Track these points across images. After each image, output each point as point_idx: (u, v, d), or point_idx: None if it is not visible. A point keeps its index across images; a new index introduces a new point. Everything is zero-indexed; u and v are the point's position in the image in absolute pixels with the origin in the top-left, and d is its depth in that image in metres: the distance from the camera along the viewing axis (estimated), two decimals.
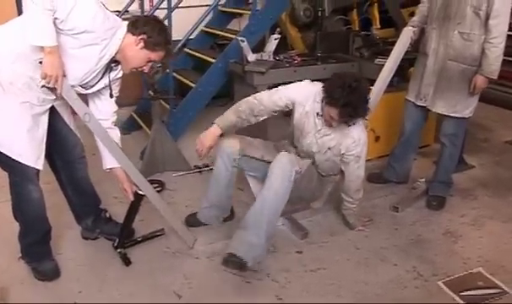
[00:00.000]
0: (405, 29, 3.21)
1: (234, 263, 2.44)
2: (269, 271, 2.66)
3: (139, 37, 2.34)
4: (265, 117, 2.86)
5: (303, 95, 2.78)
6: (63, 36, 2.16)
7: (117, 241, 2.75)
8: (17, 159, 2.29)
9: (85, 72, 2.32)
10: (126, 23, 2.37)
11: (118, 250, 2.73)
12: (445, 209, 3.29)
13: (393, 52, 3.20)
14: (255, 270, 2.57)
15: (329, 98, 2.58)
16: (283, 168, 2.56)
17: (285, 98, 2.80)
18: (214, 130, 2.80)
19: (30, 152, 2.31)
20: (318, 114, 2.74)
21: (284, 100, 2.81)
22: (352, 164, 2.76)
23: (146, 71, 2.50)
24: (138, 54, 2.37)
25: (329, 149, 2.77)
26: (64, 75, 2.22)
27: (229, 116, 2.83)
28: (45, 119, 2.38)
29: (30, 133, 2.29)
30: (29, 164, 2.31)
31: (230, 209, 3.09)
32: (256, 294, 2.50)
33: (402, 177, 3.58)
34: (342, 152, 2.74)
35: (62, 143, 2.61)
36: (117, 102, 2.63)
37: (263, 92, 2.89)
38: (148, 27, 2.34)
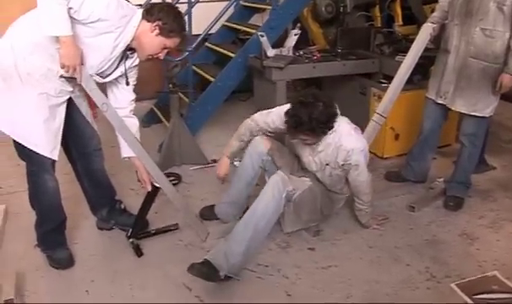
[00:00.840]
0: (425, 25, 3.14)
1: (199, 270, 2.41)
2: (280, 266, 2.66)
3: (154, 24, 2.35)
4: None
5: None
6: (78, 25, 2.19)
7: (131, 231, 2.79)
8: (33, 148, 2.34)
9: (101, 60, 2.35)
10: (141, 10, 2.39)
11: (131, 240, 2.77)
12: (463, 210, 3.23)
13: (411, 49, 3.14)
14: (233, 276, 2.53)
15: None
16: (274, 186, 2.60)
17: (277, 120, 2.82)
18: (223, 160, 3.03)
19: (46, 142, 2.36)
20: None
21: (276, 123, 2.83)
22: (352, 172, 2.76)
23: (162, 58, 2.51)
24: (153, 41, 2.39)
25: (327, 164, 2.77)
26: (82, 64, 2.26)
27: (232, 143, 3.02)
28: (62, 110, 2.42)
29: (46, 124, 2.34)
30: (44, 154, 2.36)
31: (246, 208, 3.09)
32: (266, 289, 2.50)
33: (420, 176, 3.52)
34: (341, 163, 2.73)
35: (78, 135, 2.65)
36: (135, 91, 2.66)
37: (259, 113, 2.96)
38: (163, 13, 2.36)
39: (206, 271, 2.41)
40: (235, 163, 3.67)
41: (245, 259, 2.55)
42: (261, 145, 2.90)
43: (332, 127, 2.65)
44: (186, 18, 4.01)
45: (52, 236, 2.62)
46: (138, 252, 2.73)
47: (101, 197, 2.90)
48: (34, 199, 2.56)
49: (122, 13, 2.27)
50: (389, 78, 3.44)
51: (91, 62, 2.32)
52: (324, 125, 2.60)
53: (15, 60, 2.24)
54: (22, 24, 2.30)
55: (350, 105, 3.90)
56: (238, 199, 2.99)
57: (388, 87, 3.29)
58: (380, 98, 3.66)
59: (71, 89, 2.41)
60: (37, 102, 2.30)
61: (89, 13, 2.16)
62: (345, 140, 2.69)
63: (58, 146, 2.43)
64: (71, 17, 2.13)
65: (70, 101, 2.48)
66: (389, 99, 3.16)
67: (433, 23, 3.14)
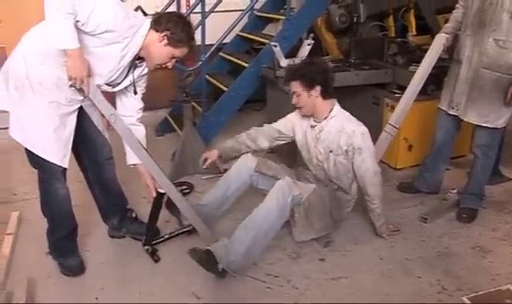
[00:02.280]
0: (438, 35, 3.12)
1: (199, 256, 2.51)
2: (290, 277, 2.65)
3: (163, 34, 2.38)
4: (266, 145, 3.08)
5: (298, 117, 2.98)
6: (85, 36, 2.22)
7: (144, 239, 2.81)
8: (43, 156, 2.38)
9: (109, 69, 2.37)
10: (149, 20, 2.41)
11: (146, 247, 2.79)
12: (476, 222, 3.18)
13: (424, 60, 3.12)
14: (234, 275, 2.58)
15: None
16: (279, 190, 2.64)
17: (284, 121, 3.05)
18: (213, 150, 3.07)
19: (56, 150, 2.39)
20: (311, 126, 2.91)
21: (283, 124, 3.04)
22: (356, 157, 2.80)
23: (170, 67, 2.54)
24: (161, 50, 2.41)
25: (330, 151, 2.84)
26: (90, 75, 2.29)
27: (228, 141, 3.13)
28: (73, 119, 2.45)
29: (57, 133, 2.37)
30: (54, 162, 2.40)
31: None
32: (275, 299, 2.49)
33: (433, 188, 3.49)
34: (345, 149, 2.79)
35: (89, 144, 2.69)
36: (143, 99, 2.69)
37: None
38: (171, 23, 2.38)
39: (206, 259, 2.49)
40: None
41: (245, 261, 2.58)
42: (250, 161, 2.95)
43: (326, 92, 2.80)
44: (199, 28, 4.09)
45: (64, 244, 2.65)
46: (155, 257, 2.76)
47: (113, 205, 2.93)
48: (45, 207, 2.59)
49: (129, 24, 2.29)
50: (403, 89, 3.42)
51: (100, 71, 2.35)
52: (316, 75, 2.75)
53: (27, 69, 2.29)
54: (33, 33, 2.35)
55: (363, 115, 3.83)
56: (212, 203, 2.97)
57: (401, 97, 3.28)
58: (393, 108, 3.64)
59: (81, 97, 2.44)
60: (48, 111, 2.34)
61: (97, 25, 2.19)
62: (346, 124, 2.81)
63: (68, 154, 2.47)
64: (79, 29, 2.17)
65: (81, 110, 2.52)
66: (402, 109, 3.14)
67: (446, 33, 3.13)
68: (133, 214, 3.00)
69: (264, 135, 3.04)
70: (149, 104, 4.93)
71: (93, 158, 2.74)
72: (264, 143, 3.05)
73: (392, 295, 2.51)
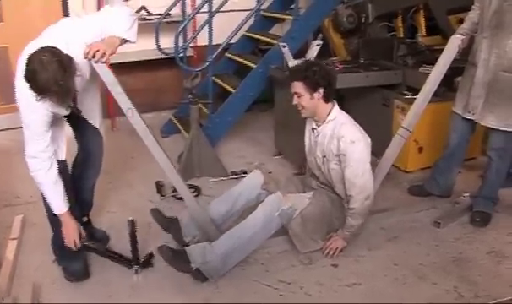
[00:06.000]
0: (453, 37, 3.04)
1: (166, 254, 2.54)
2: (302, 284, 2.60)
3: None
4: None
5: (308, 121, 2.92)
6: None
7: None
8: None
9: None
10: None
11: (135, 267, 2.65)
12: (491, 227, 3.12)
13: (438, 62, 3.03)
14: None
15: None
16: (268, 203, 2.69)
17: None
18: None
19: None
20: (313, 129, 2.86)
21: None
22: (342, 163, 2.71)
23: None
24: None
25: (324, 157, 2.79)
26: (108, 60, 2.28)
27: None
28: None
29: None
30: None
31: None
32: None
33: (445, 191, 3.43)
34: (335, 154, 2.72)
35: (82, 149, 2.69)
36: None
37: None
38: None
39: (174, 257, 2.54)
40: None
41: (221, 265, 2.58)
42: (257, 178, 2.93)
43: (328, 95, 2.72)
44: (206, 27, 4.04)
45: (67, 248, 2.55)
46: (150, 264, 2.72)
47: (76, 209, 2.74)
48: (47, 212, 2.54)
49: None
50: (413, 90, 3.37)
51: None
52: (320, 77, 2.67)
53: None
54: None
55: (372, 116, 3.84)
56: (216, 219, 2.87)
57: (411, 99, 3.22)
58: (404, 110, 3.59)
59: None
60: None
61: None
62: (339, 128, 2.71)
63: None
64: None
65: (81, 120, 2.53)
66: (415, 112, 3.07)
67: (462, 34, 3.04)
68: (85, 219, 2.89)
69: None
70: (154, 105, 4.94)
71: (82, 160, 2.75)
72: None
73: (407, 302, 2.45)
